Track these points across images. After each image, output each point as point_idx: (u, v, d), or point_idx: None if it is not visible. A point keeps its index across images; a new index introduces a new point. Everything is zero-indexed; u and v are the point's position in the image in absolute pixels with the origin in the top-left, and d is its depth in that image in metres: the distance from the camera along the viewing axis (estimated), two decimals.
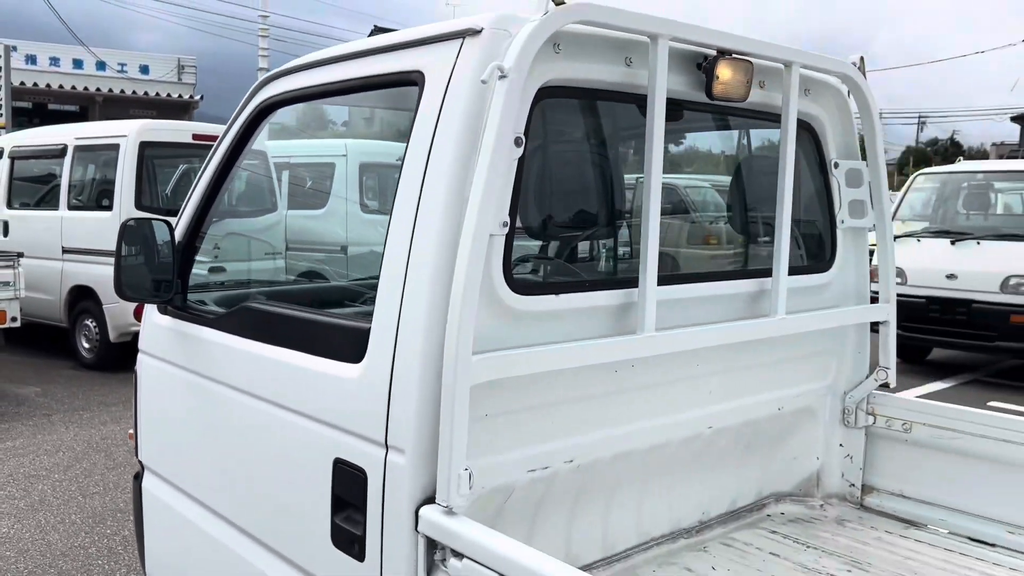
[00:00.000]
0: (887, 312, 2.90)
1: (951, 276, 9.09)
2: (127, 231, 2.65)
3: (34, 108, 35.09)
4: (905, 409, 2.90)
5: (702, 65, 2.26)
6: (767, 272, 2.55)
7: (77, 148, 9.12)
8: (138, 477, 3.04)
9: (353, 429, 1.96)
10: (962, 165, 10.39)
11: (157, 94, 34.34)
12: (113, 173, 8.50)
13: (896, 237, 9.71)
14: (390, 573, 1.86)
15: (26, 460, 6.02)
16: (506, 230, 1.89)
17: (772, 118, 2.51)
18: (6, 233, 9.66)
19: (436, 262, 1.81)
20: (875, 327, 3.01)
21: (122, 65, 35.32)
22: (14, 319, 7.74)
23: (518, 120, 1.87)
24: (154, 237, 2.62)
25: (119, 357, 8.65)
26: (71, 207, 9.09)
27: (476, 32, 1.87)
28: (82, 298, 8.89)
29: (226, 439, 2.47)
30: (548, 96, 2.00)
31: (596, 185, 2.37)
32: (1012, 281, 8.73)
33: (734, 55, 2.26)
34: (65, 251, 9.01)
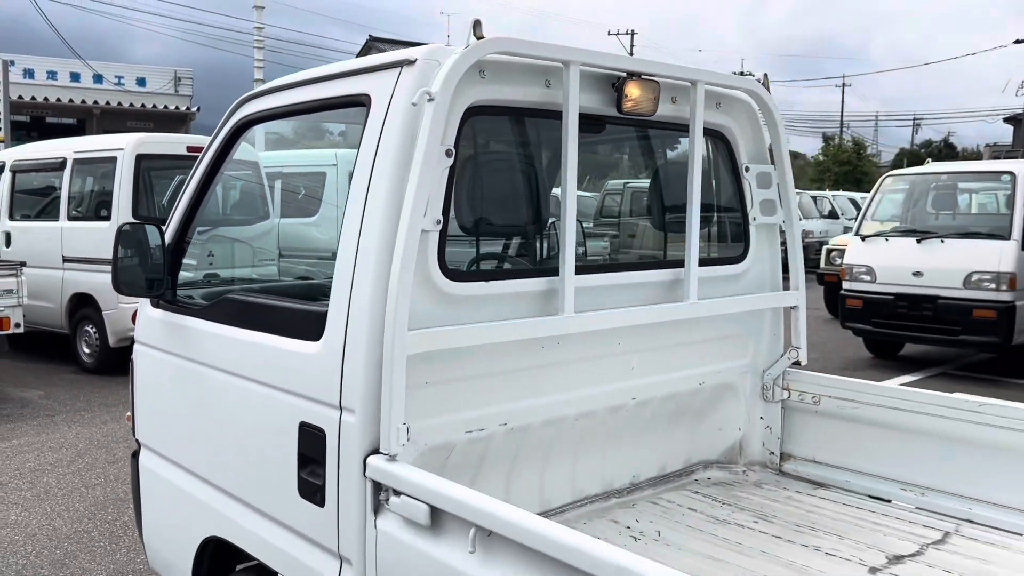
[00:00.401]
0: (796, 298, 3.27)
1: (917, 273, 9.47)
2: (122, 235, 3.01)
3: (32, 122, 35.26)
4: (814, 384, 3.28)
5: (615, 84, 2.63)
6: (682, 263, 2.93)
7: (76, 161, 9.49)
8: (135, 455, 3.41)
9: (314, 396, 2.32)
10: (929, 167, 10.77)
11: (154, 106, 34.60)
12: (111, 185, 8.86)
13: (865, 237, 10.12)
14: (345, 514, 2.23)
15: (31, 456, 6.39)
16: (439, 227, 2.27)
17: (684, 129, 2.89)
18: (8, 244, 10.03)
19: (378, 254, 2.18)
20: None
21: (119, 78, 35.61)
22: (17, 325, 8.10)
23: (447, 135, 2.25)
24: (147, 239, 2.98)
25: (119, 362, 8.98)
26: (71, 218, 9.45)
27: (411, 62, 2.25)
28: (82, 305, 9.25)
29: (210, 413, 2.84)
30: (477, 114, 2.38)
31: (524, 188, 2.74)
32: (974, 277, 9.11)
33: (642, 76, 2.64)
34: (66, 260, 9.36)
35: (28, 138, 27.42)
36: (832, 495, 3.14)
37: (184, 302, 3.05)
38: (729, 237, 3.28)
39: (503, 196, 2.65)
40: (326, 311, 2.32)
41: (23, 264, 8.30)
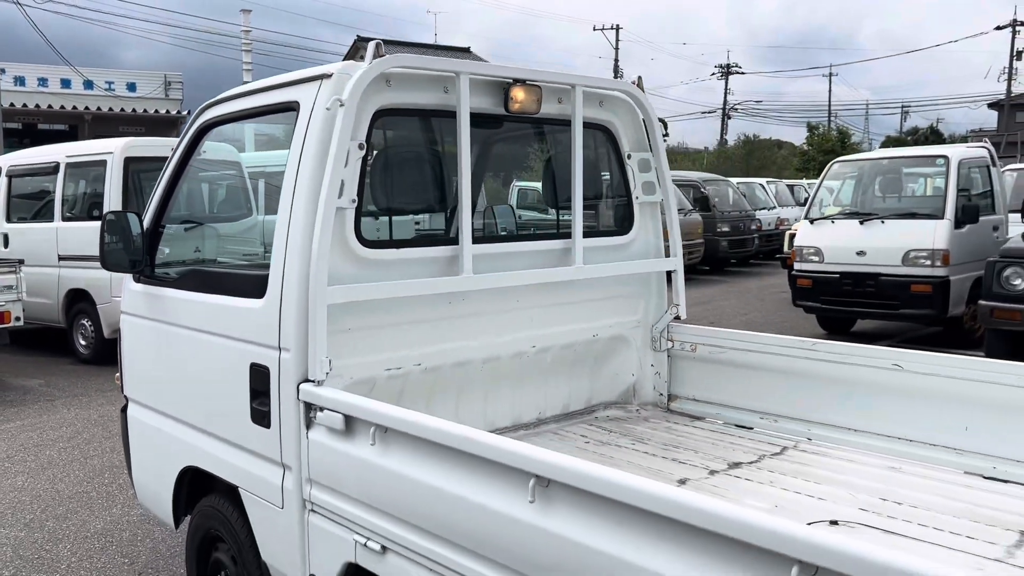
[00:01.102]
0: (675, 263, 3.89)
1: (861, 253, 10.10)
2: (108, 223, 3.62)
3: (24, 129, 35.58)
4: (691, 334, 3.90)
5: (505, 89, 3.25)
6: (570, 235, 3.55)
7: (68, 165, 10.10)
8: (124, 409, 4.02)
9: (260, 341, 2.94)
10: (873, 152, 11.40)
11: (145, 111, 34.92)
12: (101, 186, 9.47)
13: (813, 220, 10.75)
14: (285, 431, 2.85)
15: (35, 434, 7.00)
16: (354, 205, 2.88)
17: (569, 124, 3.50)
18: (6, 245, 10.62)
19: (304, 227, 2.80)
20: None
21: (109, 83, 35.92)
22: (18, 319, 8.71)
23: (359, 132, 2.86)
24: (128, 226, 3.59)
25: (113, 352, 9.54)
26: (65, 218, 10.05)
27: (328, 76, 2.86)
28: (78, 300, 9.86)
29: (182, 364, 3.45)
30: (385, 115, 3.00)
31: (430, 173, 3.36)
32: (911, 255, 9.74)
33: (526, 82, 3.26)
34: (61, 258, 9.96)
35: (20, 145, 27.73)
36: (705, 425, 3.77)
37: (160, 276, 3.66)
38: (617, 213, 3.91)
39: (411, 180, 3.27)
40: (267, 275, 2.93)
41: (21, 262, 8.90)
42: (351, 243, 2.92)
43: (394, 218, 3.38)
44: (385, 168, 3.13)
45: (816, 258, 10.53)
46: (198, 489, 3.52)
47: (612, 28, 55.31)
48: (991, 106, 56.27)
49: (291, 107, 2.99)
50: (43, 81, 34.97)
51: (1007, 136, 48.23)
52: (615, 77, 56.32)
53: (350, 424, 2.60)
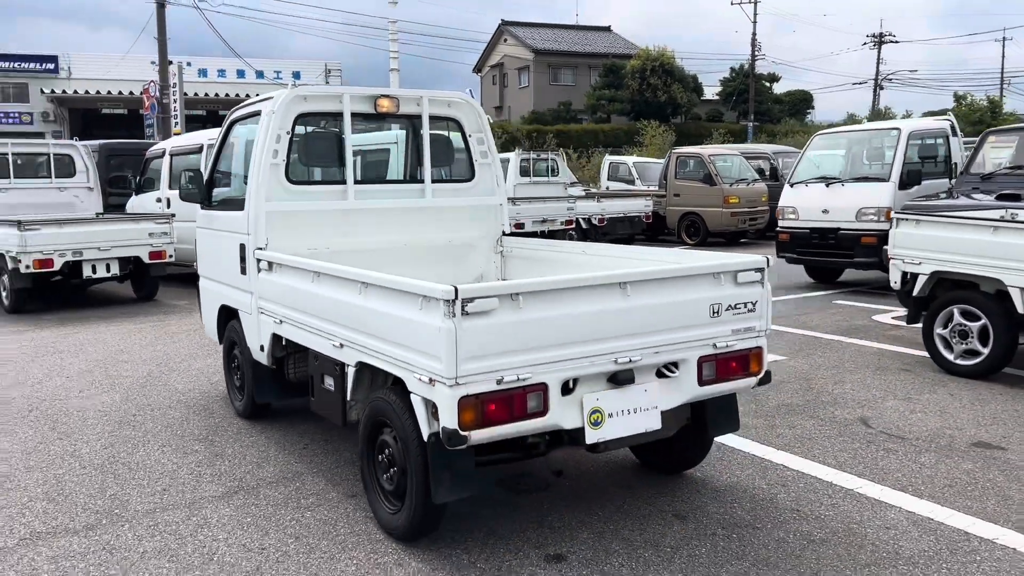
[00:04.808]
0: (500, 199, 6.52)
1: (825, 211, 12.09)
2: (189, 177, 6.63)
3: (207, 115, 40.67)
4: (511, 244, 6.52)
5: (375, 100, 6.00)
6: (424, 180, 6.27)
7: (208, 146, 13.59)
8: (197, 283, 7.08)
9: (241, 231, 5.81)
10: (849, 127, 13.18)
11: None
12: None
13: (793, 184, 12.82)
14: (251, 275, 5.71)
15: (174, 328, 10.39)
16: (284, 162, 5.73)
17: (431, 119, 6.19)
18: (168, 205, 14.29)
19: (258, 173, 5.65)
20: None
21: (277, 72, 40.30)
22: (171, 256, 12.25)
23: (286, 125, 5.70)
24: (199, 178, 6.60)
25: None
26: None
27: (272, 98, 5.71)
28: None
29: (219, 250, 6.41)
30: (303, 116, 5.81)
31: (332, 146, 6.12)
32: (862, 212, 11.67)
33: (388, 96, 6.00)
34: None
35: (203, 129, 32.16)
36: None
37: (213, 205, 6.65)
38: (464, 169, 6.57)
39: (319, 150, 6.07)
40: (244, 198, 5.82)
41: (173, 215, 12.42)
42: (283, 182, 5.76)
43: (312, 168, 6.20)
44: (304, 143, 5.97)
45: (793, 216, 12.58)
46: (227, 318, 6.51)
47: (750, 2, 55.87)
48: None
49: (258, 113, 5.86)
50: (222, 72, 39.71)
51: None
52: (752, 51, 57.01)
53: (271, 266, 5.46)
